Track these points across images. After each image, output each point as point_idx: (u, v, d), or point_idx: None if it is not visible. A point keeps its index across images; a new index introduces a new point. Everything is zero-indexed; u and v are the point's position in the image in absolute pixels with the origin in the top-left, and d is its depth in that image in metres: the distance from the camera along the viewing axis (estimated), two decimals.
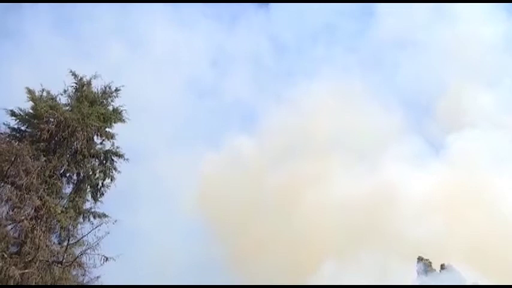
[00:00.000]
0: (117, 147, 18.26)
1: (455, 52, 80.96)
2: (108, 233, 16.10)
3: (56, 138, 17.15)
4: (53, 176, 16.74)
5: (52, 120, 17.06)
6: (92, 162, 17.78)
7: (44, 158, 16.80)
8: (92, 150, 17.70)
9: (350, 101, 75.36)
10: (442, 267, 44.50)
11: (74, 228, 16.50)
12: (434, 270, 44.39)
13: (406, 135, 74.96)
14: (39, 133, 16.92)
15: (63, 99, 17.98)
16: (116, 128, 18.39)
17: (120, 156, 18.26)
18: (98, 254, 15.92)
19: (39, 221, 15.73)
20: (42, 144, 16.93)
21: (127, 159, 18.33)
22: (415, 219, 56.72)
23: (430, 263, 44.61)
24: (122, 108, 18.54)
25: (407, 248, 51.78)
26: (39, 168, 16.16)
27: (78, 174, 17.63)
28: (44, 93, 17.68)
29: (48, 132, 16.80)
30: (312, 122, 75.20)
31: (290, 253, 61.99)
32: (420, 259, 45.31)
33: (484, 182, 58.02)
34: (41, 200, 15.79)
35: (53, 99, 17.78)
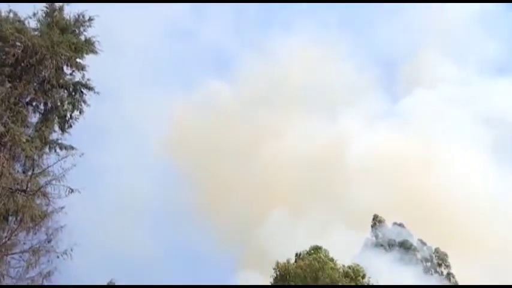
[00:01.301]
0: (88, 80, 17.65)
1: (430, 21, 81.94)
2: (75, 165, 15.94)
3: (23, 64, 16.38)
4: (18, 104, 16.18)
5: (18, 44, 16.21)
6: (60, 92, 17.19)
7: (9, 84, 16.13)
8: (60, 80, 17.06)
9: (325, 57, 75.43)
10: (394, 224, 47.24)
11: (39, 158, 16.24)
12: (387, 226, 47.07)
13: (370, 94, 76.62)
14: (4, 57, 16.11)
15: (32, 23, 17.02)
16: (88, 60, 17.65)
17: (90, 89, 17.70)
18: (63, 185, 15.84)
19: (2, 148, 15.38)
20: (7, 69, 16.16)
21: (97, 93, 17.82)
22: (366, 175, 59.22)
23: (383, 219, 47.20)
24: (94, 39, 17.74)
25: (358, 202, 54.42)
26: (3, 94, 15.58)
27: (45, 104, 17.08)
28: (11, 15, 16.66)
29: (13, 56, 15.99)
30: (286, 74, 75.20)
31: (250, 198, 64.05)
32: (375, 216, 47.85)
33: (435, 144, 60.77)
34: (4, 127, 15.34)
35: (21, 21, 16.79)
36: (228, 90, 76.09)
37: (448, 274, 43.79)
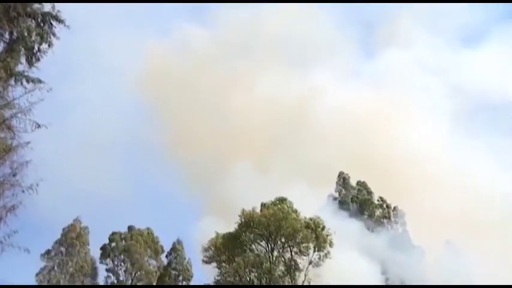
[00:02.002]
0: (58, 11, 16.70)
1: None
2: (42, 100, 15.41)
3: None
4: None
5: None
6: (27, 22, 16.24)
7: None
8: (28, 9, 16.08)
9: (305, 12, 73.99)
10: (358, 183, 48.88)
11: (4, 90, 15.56)
12: (351, 183, 48.70)
13: (345, 52, 76.64)
14: None
15: None
16: None
17: (60, 21, 16.72)
18: (30, 120, 15.35)
19: None
20: None
21: (67, 27, 16.91)
22: (333, 131, 60.56)
23: (348, 176, 48.72)
24: None
25: (324, 158, 55.85)
26: None
27: (11, 33, 16.12)
28: None
29: None
30: (265, 24, 73.56)
31: (219, 145, 64.54)
32: (340, 173, 49.25)
33: (401, 105, 62.33)
34: None
35: None
36: (204, 35, 74.18)
37: (404, 231, 46.31)
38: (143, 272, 48.79)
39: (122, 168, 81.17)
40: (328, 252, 32.84)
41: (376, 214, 46.16)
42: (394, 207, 47.41)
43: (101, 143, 76.79)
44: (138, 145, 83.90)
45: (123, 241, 49.82)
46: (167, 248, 49.53)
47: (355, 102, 62.77)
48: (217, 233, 32.53)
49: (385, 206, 47.49)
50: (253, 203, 33.04)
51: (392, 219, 46.64)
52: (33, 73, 16.45)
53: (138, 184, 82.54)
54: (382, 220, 46.48)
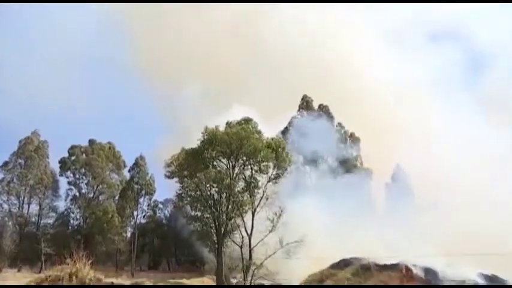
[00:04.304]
0: None
1: None
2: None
3: None
4: None
5: None
6: None
7: None
8: None
9: None
10: (320, 107, 50.02)
11: None
12: (313, 107, 49.83)
13: None
14: None
15: None
16: None
17: None
18: None
19: None
20: None
21: None
22: (295, 54, 60.74)
23: (311, 100, 49.70)
24: None
25: (288, 81, 56.47)
26: None
27: None
28: None
29: None
30: None
31: (181, 66, 63.56)
32: (303, 96, 50.07)
33: (355, 33, 62.92)
34: None
35: None
36: None
37: (357, 156, 48.81)
38: (105, 185, 49.54)
39: (85, 85, 78.80)
40: (287, 171, 34.55)
41: (335, 138, 47.93)
42: (351, 134, 49.32)
43: (64, 59, 73.51)
44: (101, 63, 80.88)
45: (84, 155, 49.77)
46: (130, 163, 50.15)
47: (316, 23, 62.33)
48: (182, 149, 33.14)
49: (342, 131, 49.31)
50: (219, 121, 33.58)
51: (349, 143, 48.74)
52: None
53: (101, 101, 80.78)
54: (339, 145, 48.47)
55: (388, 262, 19.51)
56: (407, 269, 17.84)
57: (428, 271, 17.76)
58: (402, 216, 31.39)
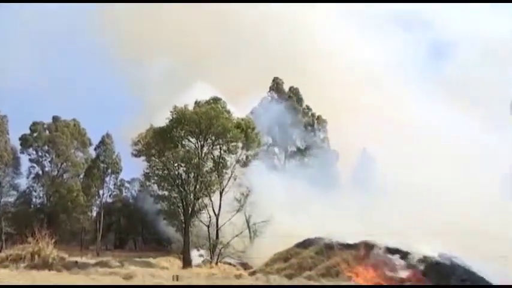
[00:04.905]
0: None
1: None
2: None
3: None
4: None
5: None
6: None
7: None
8: None
9: None
10: (291, 89, 50.27)
11: None
12: (284, 89, 50.02)
13: None
14: None
15: None
16: None
17: None
18: None
19: None
20: None
21: None
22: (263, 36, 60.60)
23: (281, 82, 49.83)
24: None
25: (258, 63, 56.33)
26: None
27: None
28: None
29: None
30: None
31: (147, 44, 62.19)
32: (274, 78, 50.14)
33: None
34: None
35: None
36: None
37: (325, 138, 49.58)
38: (70, 164, 48.35)
39: (49, 61, 75.84)
40: (256, 153, 34.77)
41: (303, 121, 48.49)
42: (318, 116, 49.88)
43: (26, 34, 70.38)
44: (66, 39, 77.84)
45: (47, 132, 48.23)
46: (96, 142, 49.04)
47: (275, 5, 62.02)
48: (150, 127, 32.62)
49: (310, 114, 49.81)
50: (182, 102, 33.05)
51: (316, 126, 49.35)
52: None
53: (65, 78, 78.05)
54: (307, 127, 49.05)
55: (351, 241, 20.15)
56: (367, 247, 18.50)
57: (388, 250, 18.50)
58: (366, 197, 32.31)
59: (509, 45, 56.42)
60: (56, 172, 48.44)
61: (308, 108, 49.71)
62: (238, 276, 22.81)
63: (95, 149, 48.67)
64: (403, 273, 16.82)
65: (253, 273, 22.98)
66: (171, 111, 31.88)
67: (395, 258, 18.31)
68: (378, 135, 42.29)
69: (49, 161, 48.25)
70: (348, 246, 19.71)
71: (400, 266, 17.24)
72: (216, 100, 33.36)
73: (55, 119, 49.00)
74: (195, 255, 33.38)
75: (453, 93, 50.32)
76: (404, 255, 18.10)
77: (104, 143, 47.78)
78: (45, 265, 25.62)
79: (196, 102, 33.08)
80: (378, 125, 44.42)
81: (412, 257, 18.14)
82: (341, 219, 27.00)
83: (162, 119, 32.53)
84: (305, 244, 23.75)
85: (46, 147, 47.73)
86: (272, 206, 32.62)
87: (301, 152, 48.22)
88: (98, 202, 49.02)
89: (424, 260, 17.62)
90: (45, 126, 48.48)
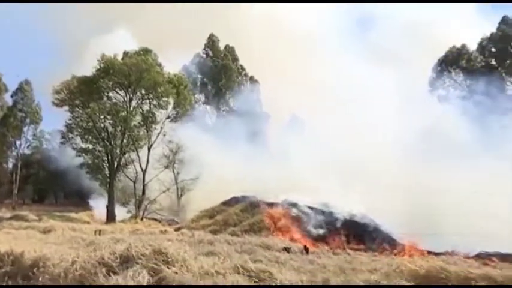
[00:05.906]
0: None
1: None
2: None
3: None
4: None
5: None
6: None
7: None
8: None
9: None
10: (226, 48, 49.38)
11: None
12: (219, 46, 48.91)
13: None
14: None
15: None
16: None
17: None
18: None
19: None
20: None
21: None
22: None
23: (217, 40, 48.63)
24: None
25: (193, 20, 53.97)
26: None
27: None
28: None
29: None
30: None
31: None
32: (210, 35, 48.80)
33: None
34: None
35: None
36: None
37: (257, 99, 49.89)
38: None
39: None
40: (187, 110, 34.18)
41: (235, 81, 48.23)
42: (251, 76, 49.90)
43: None
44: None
45: None
46: (13, 88, 45.16)
47: None
48: (72, 76, 30.57)
49: (243, 74, 49.65)
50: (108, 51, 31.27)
51: (249, 86, 49.42)
52: None
53: None
54: (240, 87, 48.96)
55: (274, 200, 20.90)
56: (289, 205, 19.36)
57: (310, 208, 19.45)
58: (293, 158, 33.25)
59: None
60: None
61: (242, 68, 49.42)
62: (164, 232, 22.79)
63: (12, 96, 44.97)
64: (321, 230, 17.85)
65: (178, 229, 23.06)
66: (98, 60, 30.06)
67: (315, 215, 19.25)
68: (308, 100, 43.25)
69: None
70: (270, 205, 20.38)
71: (318, 222, 18.23)
72: (146, 51, 31.92)
73: None
74: (123, 211, 32.80)
75: (382, 57, 52.05)
76: (323, 212, 19.10)
77: (22, 89, 44.23)
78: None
79: (125, 53, 31.45)
80: (309, 90, 45.39)
81: (331, 214, 19.16)
82: (267, 180, 27.71)
83: (87, 68, 30.65)
84: (231, 202, 24.12)
85: None
86: (201, 163, 32.58)
87: (233, 111, 48.26)
88: (14, 154, 45.84)
89: (342, 217, 18.73)
90: None
